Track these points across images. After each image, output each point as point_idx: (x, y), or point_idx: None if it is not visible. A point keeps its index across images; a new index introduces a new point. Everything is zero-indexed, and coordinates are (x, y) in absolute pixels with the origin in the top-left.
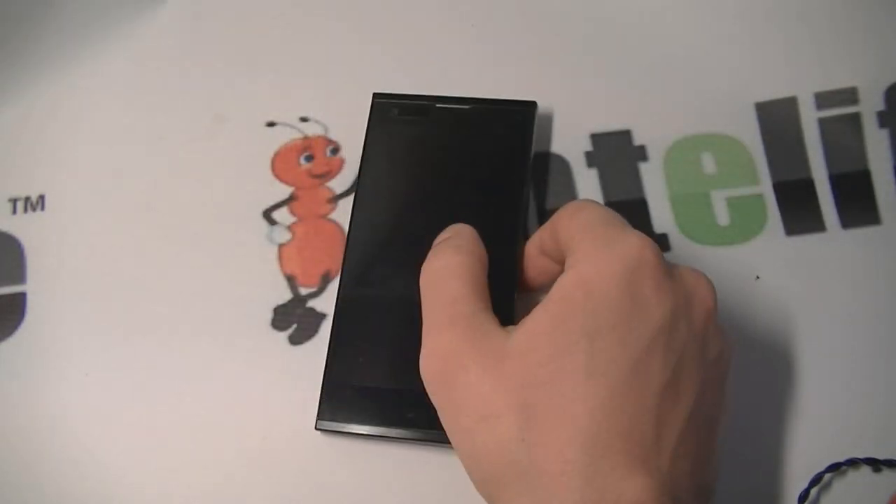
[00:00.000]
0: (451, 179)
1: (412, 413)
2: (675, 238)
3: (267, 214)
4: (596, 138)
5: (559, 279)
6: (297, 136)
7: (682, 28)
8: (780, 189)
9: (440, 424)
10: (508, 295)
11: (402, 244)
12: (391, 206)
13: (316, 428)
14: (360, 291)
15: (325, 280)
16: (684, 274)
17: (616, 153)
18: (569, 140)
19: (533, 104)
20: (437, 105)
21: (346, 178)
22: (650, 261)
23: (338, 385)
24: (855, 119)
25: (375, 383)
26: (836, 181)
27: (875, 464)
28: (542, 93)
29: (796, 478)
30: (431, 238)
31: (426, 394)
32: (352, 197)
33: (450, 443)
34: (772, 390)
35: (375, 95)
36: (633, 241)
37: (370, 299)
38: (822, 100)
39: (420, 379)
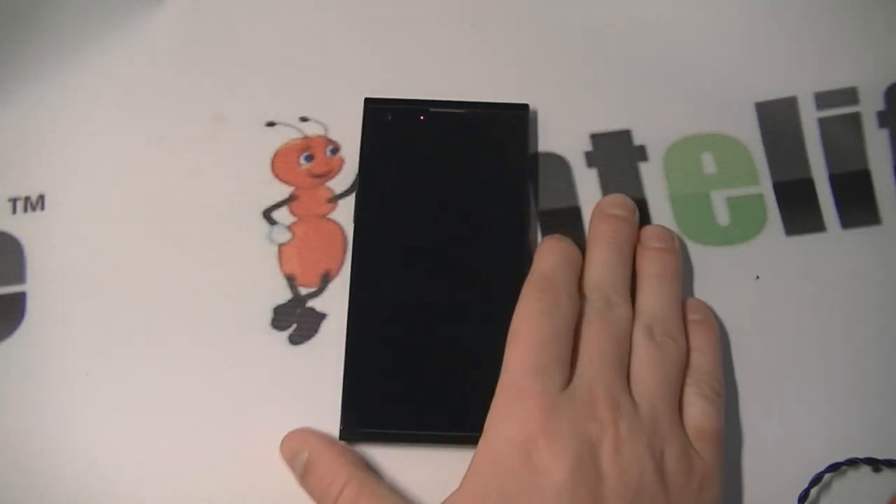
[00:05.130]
0: (451, 183)
1: (434, 413)
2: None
3: (267, 214)
4: (596, 138)
5: (476, 449)
6: (297, 135)
7: (681, 28)
8: (780, 189)
9: (464, 424)
10: (513, 297)
11: (407, 248)
12: (393, 210)
13: (340, 438)
14: (370, 296)
15: (325, 280)
16: (576, 419)
17: (616, 153)
18: (569, 140)
19: (525, 107)
20: (431, 109)
21: (346, 177)
22: (538, 429)
23: (358, 393)
24: (855, 119)
25: (395, 387)
26: (836, 181)
27: (875, 464)
28: (543, 93)
29: (796, 478)
30: (435, 240)
31: (444, 393)
32: (351, 197)
33: (473, 442)
34: (771, 390)
35: (367, 101)
36: (526, 413)
37: (381, 304)
38: (822, 100)
39: (439, 379)
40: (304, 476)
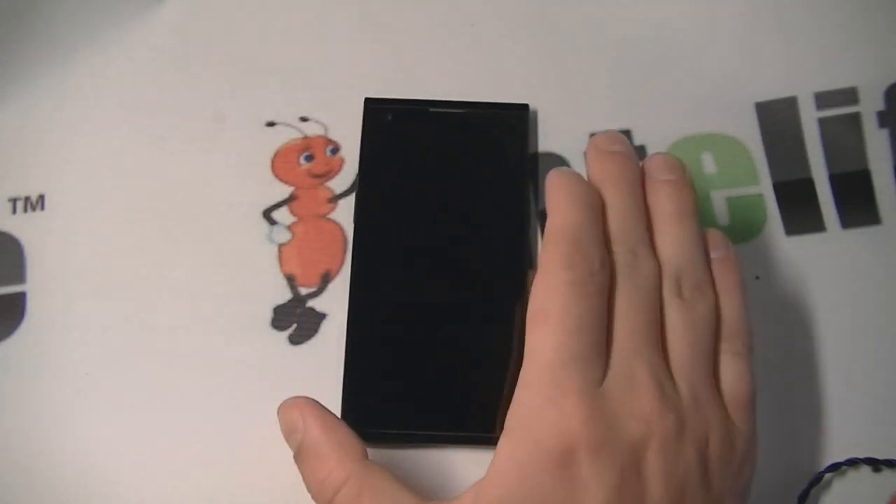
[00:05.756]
0: (451, 183)
1: (435, 413)
2: None
3: (267, 214)
4: None
5: (497, 448)
6: (297, 136)
7: (681, 28)
8: (780, 189)
9: (464, 424)
10: (513, 298)
11: (407, 248)
12: (393, 210)
13: None
14: (370, 296)
15: (325, 280)
16: (619, 420)
17: None
18: (569, 140)
19: (525, 106)
20: (431, 109)
21: (346, 178)
22: (578, 439)
23: (358, 393)
24: (855, 119)
25: (395, 387)
26: (836, 181)
27: (875, 464)
28: (543, 93)
29: (796, 478)
30: (435, 240)
31: (444, 393)
32: (351, 197)
33: (475, 442)
34: (771, 390)
35: (367, 101)
36: (562, 417)
37: (381, 304)
38: (822, 100)
39: (439, 379)
40: (298, 458)
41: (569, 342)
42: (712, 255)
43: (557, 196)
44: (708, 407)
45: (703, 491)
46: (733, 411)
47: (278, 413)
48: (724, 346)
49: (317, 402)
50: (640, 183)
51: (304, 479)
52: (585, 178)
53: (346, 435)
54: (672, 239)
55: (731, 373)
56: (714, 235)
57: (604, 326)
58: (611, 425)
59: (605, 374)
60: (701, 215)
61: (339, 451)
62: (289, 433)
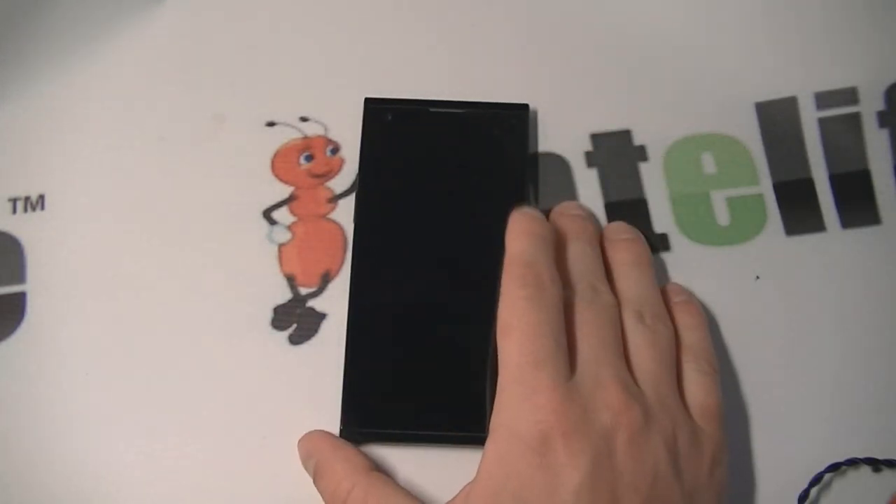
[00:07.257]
0: (451, 183)
1: (435, 413)
2: (675, 238)
3: (267, 214)
4: (596, 138)
5: (483, 450)
6: (297, 135)
7: (682, 28)
8: (780, 189)
9: (464, 423)
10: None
11: (407, 248)
12: (393, 210)
13: (340, 436)
14: (370, 296)
15: (325, 280)
16: (589, 410)
17: (616, 153)
18: (569, 140)
19: (525, 106)
20: (431, 109)
21: (346, 178)
22: (552, 427)
23: (358, 393)
24: (855, 119)
25: (395, 387)
26: (836, 181)
27: (875, 464)
28: (542, 92)
29: (796, 478)
30: (435, 240)
31: (444, 393)
32: (351, 197)
33: (474, 442)
34: (772, 390)
35: (367, 101)
36: (537, 409)
37: (381, 304)
38: (822, 100)
39: (439, 379)
40: (315, 480)
41: (532, 346)
42: (675, 299)
43: (511, 233)
44: (674, 409)
45: (675, 482)
46: (700, 419)
47: (297, 446)
48: (691, 365)
49: (327, 431)
50: (599, 239)
51: (321, 496)
52: (544, 217)
53: (353, 452)
54: (630, 282)
55: (697, 385)
56: (674, 286)
57: (563, 333)
58: (582, 413)
59: (571, 376)
60: (701, 215)
61: (346, 465)
62: (306, 459)
